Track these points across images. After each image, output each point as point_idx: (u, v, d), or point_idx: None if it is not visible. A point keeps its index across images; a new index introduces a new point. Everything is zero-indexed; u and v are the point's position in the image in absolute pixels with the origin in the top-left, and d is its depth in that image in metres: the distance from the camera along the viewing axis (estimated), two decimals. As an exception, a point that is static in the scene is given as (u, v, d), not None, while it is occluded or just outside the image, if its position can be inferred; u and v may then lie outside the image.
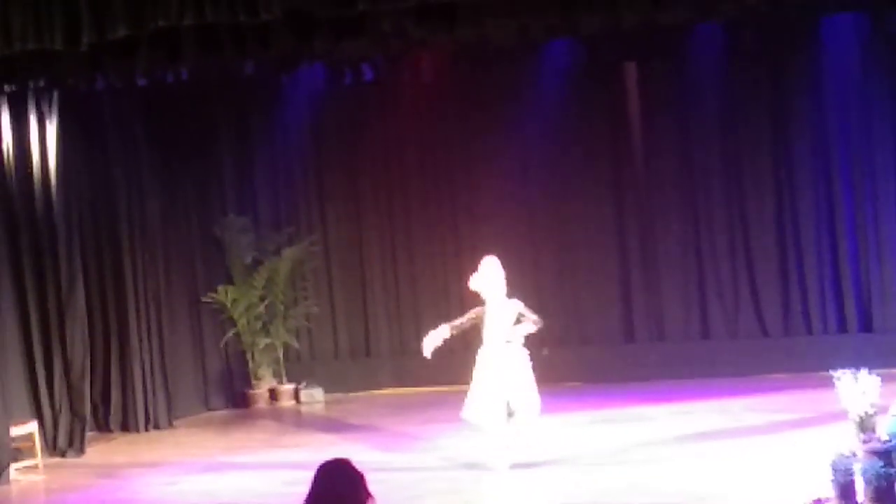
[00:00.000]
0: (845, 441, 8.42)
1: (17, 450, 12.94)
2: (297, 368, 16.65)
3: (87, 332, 14.01)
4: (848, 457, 8.16)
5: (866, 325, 15.14)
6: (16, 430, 12.86)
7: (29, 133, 13.68)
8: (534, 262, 15.78)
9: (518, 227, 15.91)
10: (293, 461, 11.92)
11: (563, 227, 16.15)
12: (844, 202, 15.14)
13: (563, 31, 12.65)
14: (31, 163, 13.70)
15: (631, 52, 15.30)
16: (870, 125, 15.01)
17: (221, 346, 16.27)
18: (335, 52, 12.53)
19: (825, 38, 15.02)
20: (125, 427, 14.82)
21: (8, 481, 12.54)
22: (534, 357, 11.18)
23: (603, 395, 14.55)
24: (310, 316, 16.69)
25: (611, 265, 16.10)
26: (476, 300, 11.33)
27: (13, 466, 12.73)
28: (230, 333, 16.23)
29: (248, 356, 16.40)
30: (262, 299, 16.30)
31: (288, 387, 16.40)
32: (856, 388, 8.31)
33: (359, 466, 4.60)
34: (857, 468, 8.06)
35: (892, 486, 7.99)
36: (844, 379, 8.36)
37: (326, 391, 16.31)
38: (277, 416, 15.76)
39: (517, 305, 11.17)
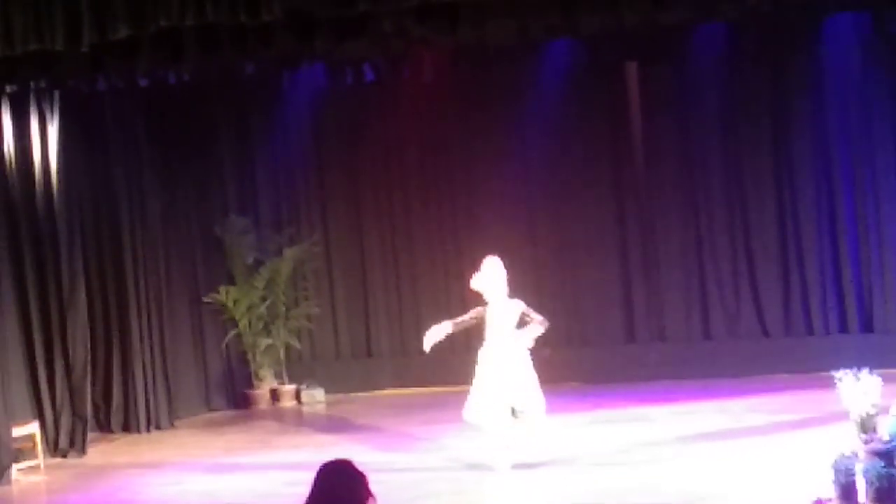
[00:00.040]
0: (847, 441, 8.41)
1: (19, 450, 12.94)
2: (299, 369, 16.65)
3: (88, 332, 14.01)
4: (849, 457, 8.16)
5: (867, 326, 15.14)
6: (17, 431, 12.86)
7: (30, 133, 13.68)
8: (534, 262, 15.78)
9: (518, 227, 15.91)
10: (294, 462, 11.92)
11: (564, 227, 16.15)
12: (845, 202, 15.14)
13: (563, 31, 12.65)
14: (33, 163, 13.70)
15: (632, 53, 15.30)
16: (870, 125, 15.01)
17: (222, 346, 16.28)
18: (336, 53, 12.54)
19: (826, 39, 15.02)
20: (126, 427, 14.82)
21: (9, 482, 12.54)
22: (535, 357, 11.18)
23: (604, 395, 14.56)
24: (311, 316, 16.69)
25: (611, 265, 16.10)
26: (477, 300, 11.33)
27: (14, 467, 12.73)
28: (231, 334, 16.23)
29: (250, 357, 16.39)
30: (263, 300, 16.30)
31: (289, 387, 16.40)
32: (857, 388, 8.30)
33: (360, 467, 4.60)
34: (859, 468, 8.06)
35: (894, 487, 7.98)
36: (846, 379, 8.35)
37: (328, 392, 16.31)
38: (279, 416, 15.76)
39: (519, 306, 11.16)
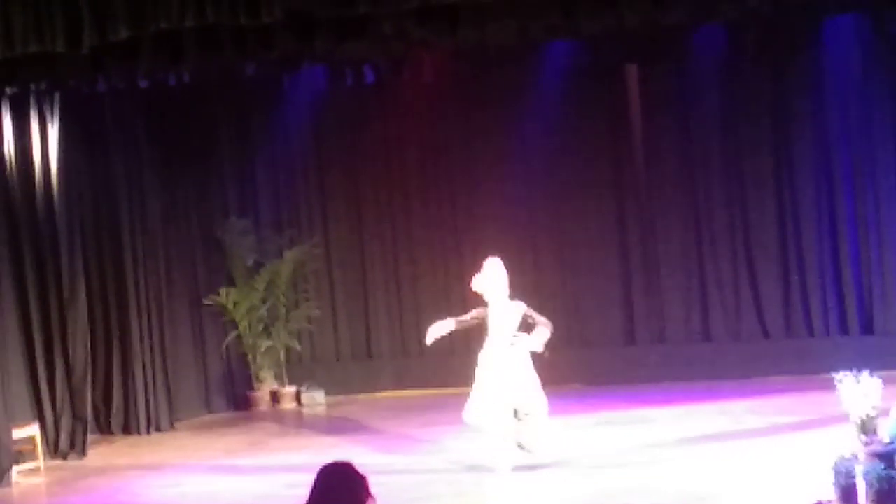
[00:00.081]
0: (847, 443, 8.42)
1: (19, 452, 12.94)
2: (299, 371, 16.64)
3: (88, 334, 14.01)
4: (849, 459, 8.16)
5: (868, 327, 15.13)
6: (17, 433, 12.87)
7: (30, 135, 13.69)
8: (534, 263, 15.79)
9: (519, 228, 15.90)
10: (294, 464, 11.91)
11: (564, 228, 16.15)
12: (846, 203, 15.14)
13: (564, 32, 12.63)
14: (33, 165, 13.70)
15: (632, 53, 15.29)
16: (871, 126, 15.02)
17: (223, 348, 16.27)
18: (336, 54, 12.52)
19: (826, 39, 15.02)
20: (127, 429, 14.82)
21: (9, 484, 12.55)
22: (535, 358, 11.17)
23: (604, 396, 14.55)
24: (311, 318, 16.68)
25: (612, 266, 16.10)
26: (478, 301, 11.32)
27: (15, 469, 12.74)
28: (232, 336, 16.23)
29: (250, 358, 16.39)
30: (263, 301, 16.30)
31: (289, 389, 16.39)
32: (857, 390, 8.30)
33: (360, 469, 4.59)
34: (859, 470, 8.06)
35: (894, 489, 7.98)
36: (846, 381, 8.36)
37: (328, 393, 16.31)
38: (279, 418, 15.75)
39: (521, 307, 11.15)
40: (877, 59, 14.94)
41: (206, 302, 16.04)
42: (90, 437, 14.03)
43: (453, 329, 11.36)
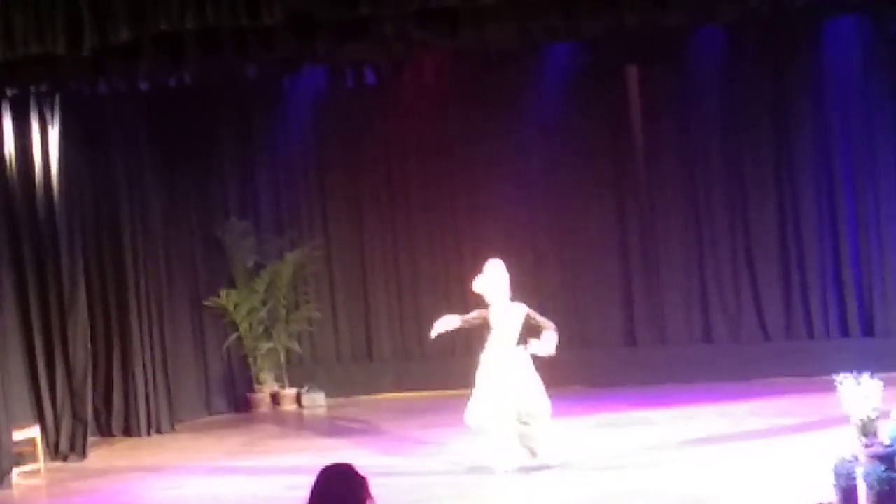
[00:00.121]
0: (847, 445, 8.41)
1: (19, 454, 12.94)
2: (300, 372, 16.64)
3: (89, 335, 14.01)
4: (850, 461, 8.16)
5: (868, 329, 15.13)
6: (18, 435, 12.86)
7: (31, 137, 13.69)
8: (535, 264, 15.77)
9: (519, 229, 15.91)
10: (295, 465, 11.91)
11: (565, 229, 16.15)
12: (846, 205, 15.14)
13: (564, 33, 12.64)
14: (34, 167, 13.70)
15: (633, 55, 15.31)
16: (871, 127, 15.01)
17: (223, 350, 16.27)
18: (337, 55, 12.53)
19: (826, 40, 15.03)
20: (127, 431, 14.82)
21: (10, 486, 12.55)
22: (535, 360, 11.17)
23: (605, 398, 14.54)
24: (312, 320, 16.68)
25: (612, 268, 16.10)
26: (479, 303, 11.32)
27: (15, 471, 12.74)
28: (232, 337, 16.22)
29: (250, 360, 16.39)
30: (264, 303, 16.30)
31: (290, 391, 16.39)
32: (858, 391, 8.29)
33: (361, 471, 4.59)
34: (860, 472, 8.06)
35: (895, 491, 7.98)
36: (847, 383, 8.35)
37: (328, 395, 16.30)
38: (279, 420, 15.75)
39: (522, 309, 11.15)
40: (877, 59, 14.94)
41: (206, 303, 16.04)
42: (90, 439, 14.03)
43: (458, 326, 11.34)
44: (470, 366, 11.43)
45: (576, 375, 15.26)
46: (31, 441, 13.09)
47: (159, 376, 15.07)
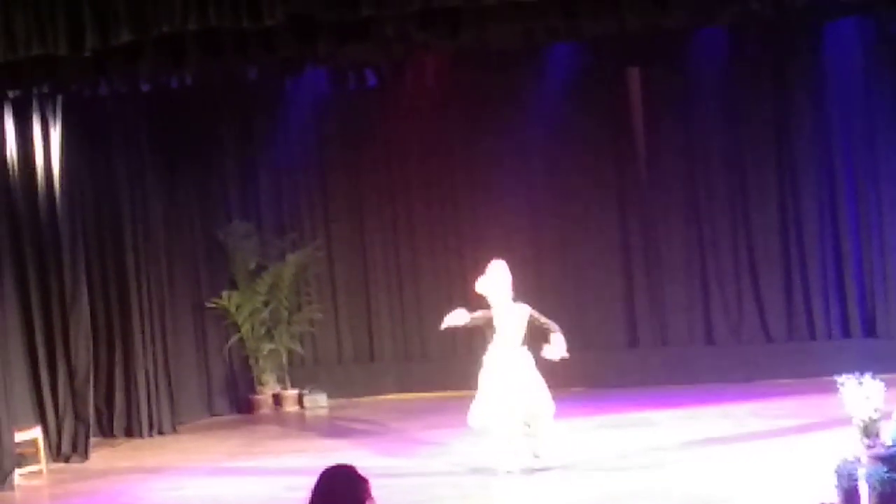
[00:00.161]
0: (849, 446, 8.41)
1: (21, 455, 12.94)
2: (301, 374, 16.65)
3: (90, 337, 14.01)
4: (852, 462, 8.16)
5: (870, 330, 15.12)
6: (20, 436, 12.87)
7: (33, 138, 13.69)
8: (537, 266, 15.76)
9: (521, 231, 15.91)
10: (296, 466, 11.91)
11: (566, 231, 16.15)
12: (848, 206, 15.14)
13: (566, 34, 12.65)
14: (35, 168, 13.70)
15: (634, 56, 15.30)
16: (873, 129, 15.01)
17: (225, 351, 16.27)
18: (338, 57, 12.54)
19: (828, 42, 15.02)
20: (129, 432, 14.82)
21: (12, 487, 12.55)
22: (537, 361, 11.17)
23: (607, 399, 14.54)
24: (314, 321, 16.69)
25: (614, 270, 16.10)
26: (481, 303, 11.31)
27: (17, 472, 12.74)
28: (234, 339, 16.23)
29: (252, 361, 16.40)
30: (265, 304, 16.30)
31: (292, 392, 16.40)
32: (860, 393, 8.29)
33: (363, 472, 4.59)
34: (862, 473, 8.05)
35: (897, 491, 7.97)
36: (848, 384, 8.35)
37: (330, 396, 16.30)
38: (281, 421, 15.75)
39: (525, 310, 11.14)
40: (879, 61, 14.94)
41: (208, 305, 16.05)
42: (92, 440, 14.03)
43: (466, 322, 11.28)
44: (471, 366, 11.43)
45: (577, 376, 15.21)
46: (33, 442, 13.10)
47: (161, 377, 15.07)
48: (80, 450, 13.75)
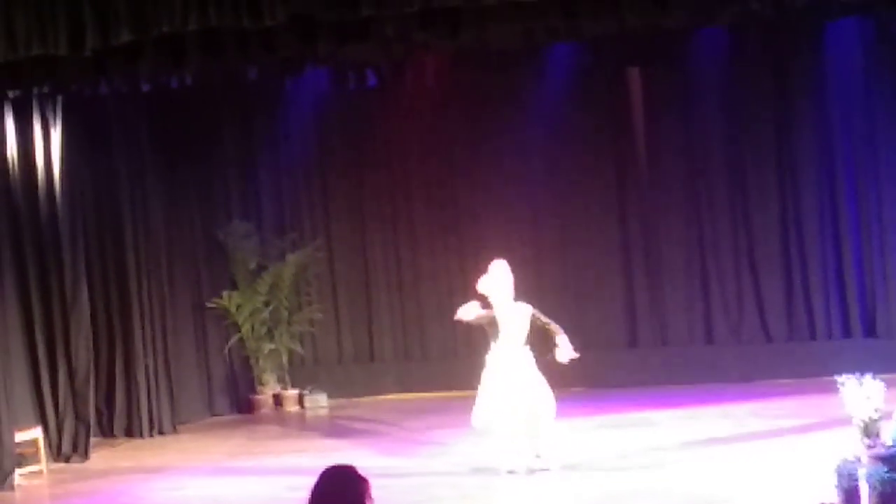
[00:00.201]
0: (850, 446, 8.41)
1: (22, 455, 12.94)
2: (302, 374, 16.64)
3: (91, 337, 14.01)
4: (852, 462, 8.16)
5: (870, 330, 15.13)
6: (20, 436, 12.86)
7: (33, 138, 13.69)
8: (537, 266, 15.75)
9: (521, 231, 15.91)
10: (297, 466, 11.91)
11: (567, 231, 16.15)
12: (848, 206, 15.14)
13: (566, 34, 12.65)
14: (36, 168, 13.70)
15: (634, 56, 15.30)
16: (874, 128, 15.01)
17: (225, 351, 16.27)
18: (338, 57, 12.54)
19: (829, 42, 15.03)
20: (129, 432, 14.82)
21: (12, 487, 12.54)
22: (537, 361, 11.17)
23: (607, 399, 14.54)
24: (314, 321, 16.69)
25: (614, 270, 16.10)
26: (482, 303, 11.30)
27: (17, 472, 12.73)
28: (234, 339, 16.22)
29: (253, 361, 16.40)
30: (266, 304, 16.30)
31: (292, 392, 16.40)
32: (860, 393, 8.29)
33: (363, 472, 4.59)
34: (862, 473, 8.05)
35: (897, 491, 7.97)
36: (849, 384, 8.35)
37: (330, 396, 16.30)
38: (282, 421, 15.75)
39: (527, 309, 11.14)
40: (879, 61, 14.94)
41: (208, 305, 16.05)
42: (93, 440, 14.03)
43: (471, 319, 11.24)
44: (471, 366, 11.42)
45: (577, 376, 15.18)
46: (34, 442, 13.09)
47: (161, 378, 15.07)
48: (80, 450, 13.75)
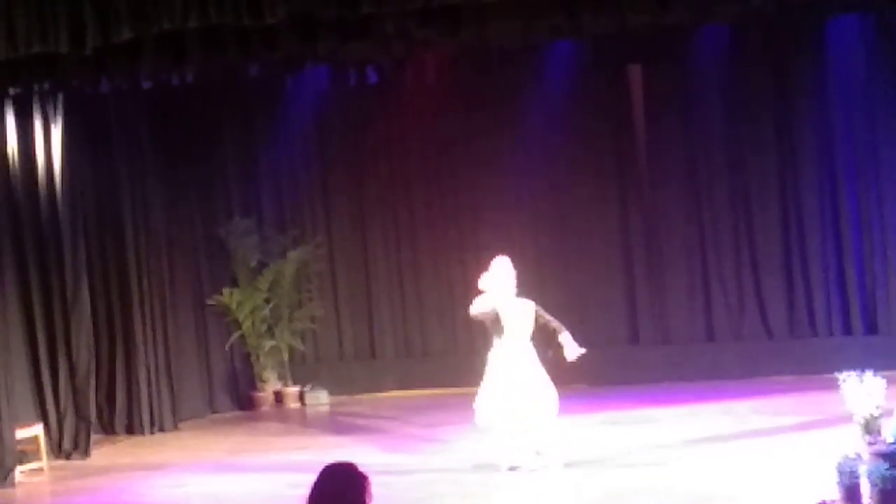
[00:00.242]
0: (851, 443, 8.40)
1: (23, 452, 12.94)
2: (303, 371, 16.65)
3: (92, 334, 14.01)
4: (853, 459, 8.15)
5: (871, 327, 15.13)
6: (21, 433, 12.87)
7: (34, 136, 13.68)
8: (538, 263, 15.75)
9: (522, 228, 15.90)
10: (298, 463, 11.90)
11: (568, 229, 16.15)
12: (849, 203, 15.14)
13: (567, 32, 12.62)
14: (36, 166, 13.70)
15: (635, 53, 15.29)
16: (874, 126, 15.01)
17: (226, 348, 16.28)
18: (339, 54, 12.51)
19: (829, 39, 15.02)
20: (130, 429, 14.82)
21: (13, 484, 12.54)
22: (540, 358, 11.17)
23: (608, 396, 14.55)
24: (315, 318, 16.69)
25: (615, 267, 16.11)
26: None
27: (18, 469, 12.74)
28: (235, 336, 16.23)
29: (253, 358, 16.40)
30: (267, 302, 16.31)
31: (293, 389, 16.40)
32: (861, 389, 8.29)
33: (364, 469, 4.59)
34: (863, 470, 8.04)
35: (898, 489, 7.97)
36: (849, 381, 8.35)
37: (331, 393, 16.32)
38: (282, 418, 15.76)
39: (530, 305, 11.14)
40: (881, 58, 14.94)
41: (209, 302, 16.06)
42: (94, 437, 14.03)
43: (482, 312, 11.19)
44: (472, 364, 11.43)
45: (578, 374, 15.18)
46: (35, 439, 13.10)
47: (162, 375, 15.08)
48: (81, 447, 13.75)
